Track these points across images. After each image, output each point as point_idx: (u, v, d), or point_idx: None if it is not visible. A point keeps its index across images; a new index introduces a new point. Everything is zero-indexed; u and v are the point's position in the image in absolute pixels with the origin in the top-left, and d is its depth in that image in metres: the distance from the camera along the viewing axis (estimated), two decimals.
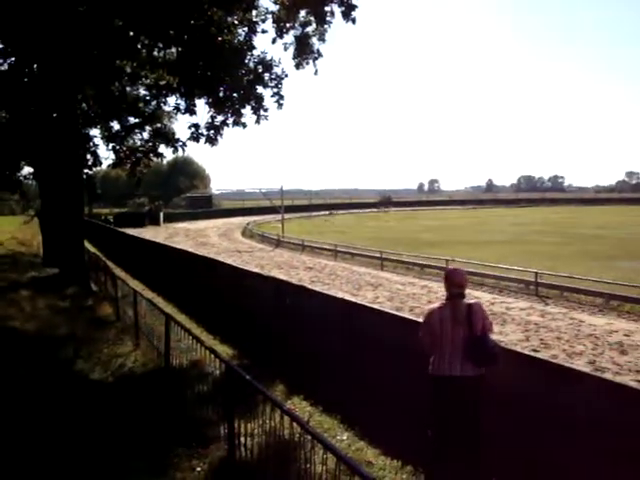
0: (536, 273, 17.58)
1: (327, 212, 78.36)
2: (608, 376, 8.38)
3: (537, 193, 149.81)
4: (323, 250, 30.17)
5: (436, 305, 5.35)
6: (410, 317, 6.30)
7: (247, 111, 12.67)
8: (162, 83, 15.27)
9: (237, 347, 10.10)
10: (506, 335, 12.24)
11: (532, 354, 5.95)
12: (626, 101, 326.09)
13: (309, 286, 11.38)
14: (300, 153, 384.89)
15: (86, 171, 16.06)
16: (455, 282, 5.24)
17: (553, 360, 5.97)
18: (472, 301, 5.25)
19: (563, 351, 11.00)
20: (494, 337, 5.26)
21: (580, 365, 9.64)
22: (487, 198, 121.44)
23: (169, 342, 7.55)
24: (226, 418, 5.28)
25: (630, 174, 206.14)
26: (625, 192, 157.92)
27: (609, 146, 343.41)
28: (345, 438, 6.33)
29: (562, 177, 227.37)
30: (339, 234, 39.95)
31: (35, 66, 14.06)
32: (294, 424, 3.96)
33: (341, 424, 6.63)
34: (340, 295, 9.43)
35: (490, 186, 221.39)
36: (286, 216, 49.84)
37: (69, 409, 6.26)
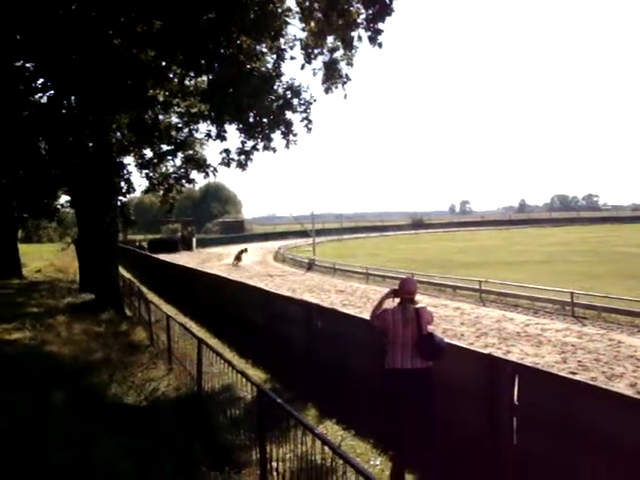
0: (572, 293, 17.23)
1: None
2: None
3: (571, 212, 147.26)
4: (355, 273, 30.10)
5: (390, 307, 6.13)
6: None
7: (277, 136, 12.86)
8: (193, 111, 15.60)
9: (269, 371, 10.11)
10: (542, 357, 11.99)
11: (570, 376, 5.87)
12: None
13: (340, 309, 11.38)
14: (331, 176, 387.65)
15: (120, 198, 16.42)
16: (405, 290, 6.03)
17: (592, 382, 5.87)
18: (419, 305, 6.05)
19: (602, 373, 10.71)
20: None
21: (621, 388, 9.38)
22: (520, 218, 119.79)
23: (201, 366, 7.61)
24: (258, 442, 5.27)
25: None
26: None
27: None
28: (378, 463, 6.26)
29: (597, 196, 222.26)
30: (371, 257, 39.84)
31: (73, 98, 14.53)
32: (325, 448, 3.93)
33: (374, 449, 6.56)
34: None
35: (523, 206, 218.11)
36: (317, 239, 49.96)
37: (102, 433, 6.31)
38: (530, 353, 12.36)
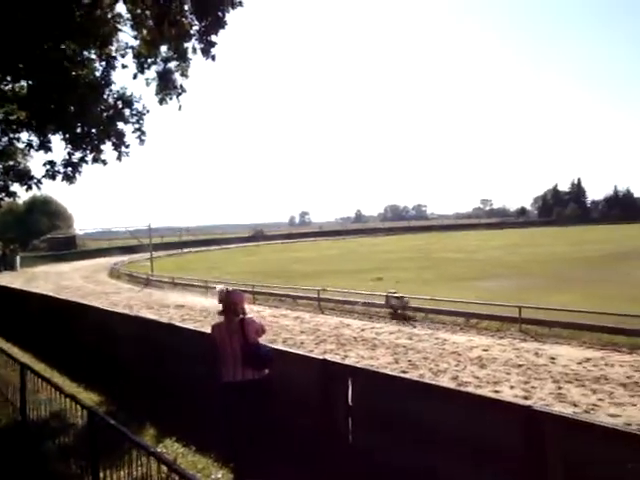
0: (402, 298, 18.39)
1: None
2: (470, 389, 8.99)
3: (402, 221, 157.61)
4: (194, 287, 29.61)
5: (217, 321, 6.22)
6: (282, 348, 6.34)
7: (107, 147, 12.25)
8: (12, 118, 14.38)
9: (104, 393, 9.60)
10: (377, 359, 12.66)
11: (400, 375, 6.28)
12: (477, 133, 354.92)
13: (179, 324, 11.15)
14: (169, 189, 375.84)
15: None
16: (229, 301, 6.09)
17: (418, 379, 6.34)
18: (245, 316, 6.08)
19: (429, 370, 11.56)
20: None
21: (445, 382, 10.20)
22: (356, 228, 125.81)
23: (25, 394, 7.03)
24: (91, 470, 4.99)
25: (484, 201, 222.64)
26: (481, 218, 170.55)
27: (466, 175, 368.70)
28: (220, 476, 6.20)
29: (425, 205, 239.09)
30: (212, 270, 39.43)
31: None
32: (163, 466, 3.83)
33: (215, 462, 6.50)
34: None
35: (359, 216, 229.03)
36: (156, 254, 48.46)
37: None
38: (366, 356, 12.99)
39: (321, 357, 6.23)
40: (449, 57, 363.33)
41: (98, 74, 12.31)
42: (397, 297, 18.58)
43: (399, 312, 18.24)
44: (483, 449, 4.31)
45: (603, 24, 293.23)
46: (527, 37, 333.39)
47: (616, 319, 13.67)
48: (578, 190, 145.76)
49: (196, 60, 12.36)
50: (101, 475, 4.83)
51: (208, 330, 6.54)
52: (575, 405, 9.05)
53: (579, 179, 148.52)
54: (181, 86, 13.08)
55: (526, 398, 9.26)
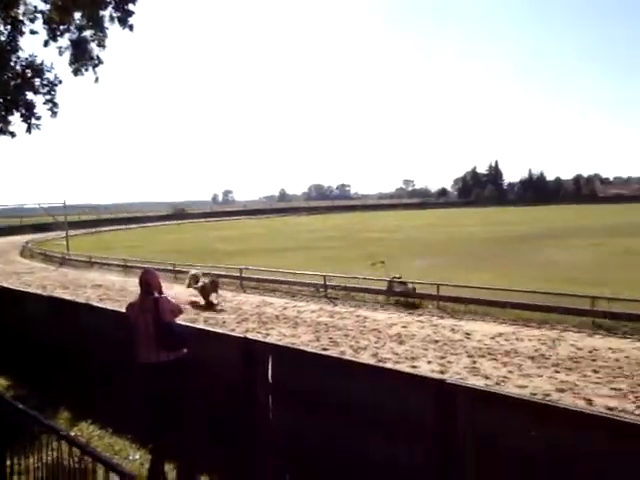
0: (324, 276, 18.56)
1: None
2: (388, 365, 9.21)
3: (327, 201, 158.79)
4: (113, 266, 28.74)
5: (132, 300, 6.08)
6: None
7: (16, 119, 11.60)
8: None
9: (14, 377, 9.20)
10: (299, 337, 12.73)
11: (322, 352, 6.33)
12: (401, 116, 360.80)
13: (96, 304, 10.78)
14: (86, 166, 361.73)
15: None
16: (142, 280, 5.95)
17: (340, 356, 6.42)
18: (160, 296, 5.88)
19: (350, 347, 11.73)
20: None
21: (365, 358, 10.41)
22: (280, 207, 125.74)
23: None
24: None
25: (406, 182, 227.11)
26: (403, 198, 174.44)
27: (389, 156, 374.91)
28: (138, 457, 6.11)
29: (348, 185, 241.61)
30: (131, 249, 38.29)
31: None
32: (75, 449, 3.70)
33: (133, 444, 6.39)
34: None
35: (283, 195, 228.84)
36: (72, 232, 46.71)
37: None
38: (287, 334, 13.04)
39: (242, 335, 6.19)
40: (374, 40, 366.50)
41: (3, 38, 11.58)
42: (401, 282, 16.79)
43: (403, 299, 16.28)
44: (398, 423, 4.41)
45: (521, 10, 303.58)
46: (448, 23, 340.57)
47: (527, 296, 14.37)
48: (495, 172, 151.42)
49: (114, 30, 11.84)
50: (8, 462, 4.62)
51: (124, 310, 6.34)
52: (487, 378, 9.45)
53: (496, 162, 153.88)
54: (97, 57, 12.51)
55: (442, 372, 9.58)
